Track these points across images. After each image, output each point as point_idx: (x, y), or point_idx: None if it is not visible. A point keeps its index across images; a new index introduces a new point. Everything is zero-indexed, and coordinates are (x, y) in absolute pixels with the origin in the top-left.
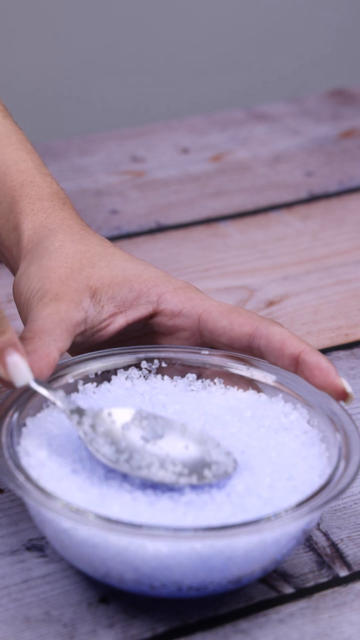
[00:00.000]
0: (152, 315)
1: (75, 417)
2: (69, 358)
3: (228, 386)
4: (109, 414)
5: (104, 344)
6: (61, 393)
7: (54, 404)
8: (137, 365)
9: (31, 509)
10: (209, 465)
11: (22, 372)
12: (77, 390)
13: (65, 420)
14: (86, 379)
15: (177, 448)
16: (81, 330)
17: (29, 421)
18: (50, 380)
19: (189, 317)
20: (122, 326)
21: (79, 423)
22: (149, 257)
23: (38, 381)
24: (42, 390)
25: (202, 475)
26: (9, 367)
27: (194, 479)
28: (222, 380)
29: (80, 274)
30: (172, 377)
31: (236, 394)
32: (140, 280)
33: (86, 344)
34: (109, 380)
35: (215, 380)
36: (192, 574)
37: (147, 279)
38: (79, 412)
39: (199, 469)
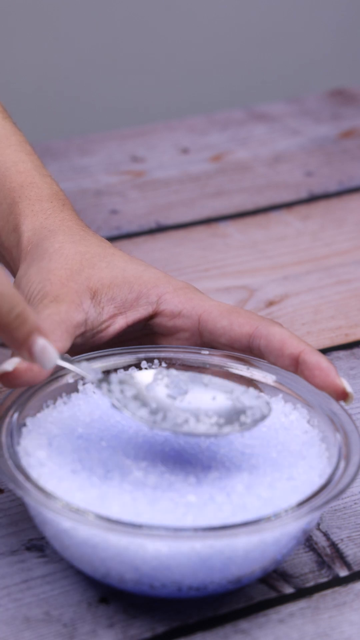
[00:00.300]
0: (152, 316)
1: (105, 385)
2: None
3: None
4: (132, 377)
5: (104, 345)
6: (85, 364)
7: (82, 377)
8: (137, 365)
9: (31, 509)
10: (243, 411)
11: (50, 355)
12: (77, 390)
13: (66, 420)
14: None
15: (205, 400)
16: (81, 332)
17: (29, 421)
18: (51, 380)
19: (188, 317)
20: (122, 327)
21: (110, 391)
22: (149, 257)
23: (62, 357)
24: (68, 366)
25: (240, 422)
26: (36, 354)
27: (236, 427)
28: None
29: (80, 275)
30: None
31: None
32: (140, 281)
33: (86, 345)
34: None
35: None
36: (192, 574)
37: (147, 280)
38: (107, 380)
39: (234, 417)
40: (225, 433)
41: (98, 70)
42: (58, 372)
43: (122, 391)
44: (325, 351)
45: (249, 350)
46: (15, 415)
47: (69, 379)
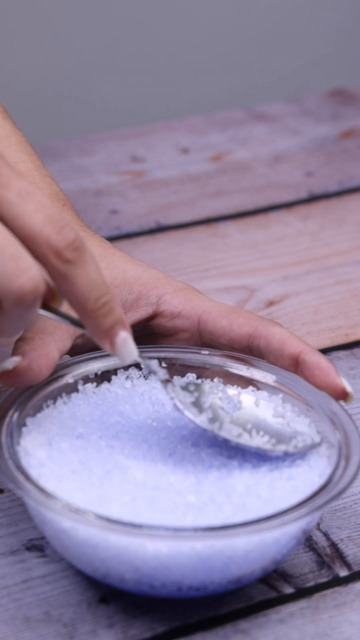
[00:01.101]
0: (152, 317)
1: (170, 386)
2: (69, 358)
3: (227, 385)
4: (192, 385)
5: None
6: (155, 362)
7: (154, 373)
8: (137, 366)
9: (31, 509)
10: (294, 436)
11: (131, 349)
12: (77, 390)
13: (66, 420)
14: (86, 379)
15: (257, 420)
16: (81, 333)
17: (29, 421)
18: (50, 380)
19: (188, 318)
20: None
21: (174, 392)
22: (149, 257)
23: (140, 355)
24: (146, 362)
25: (291, 445)
26: (118, 345)
27: (290, 447)
28: (221, 380)
29: None
30: (172, 377)
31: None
32: (139, 282)
33: (87, 346)
34: (109, 380)
35: (215, 379)
36: (192, 574)
37: (147, 281)
38: (172, 382)
39: (285, 439)
40: (279, 450)
41: (98, 70)
42: (58, 372)
43: (183, 396)
44: (325, 351)
45: (249, 351)
46: (15, 415)
47: (69, 379)
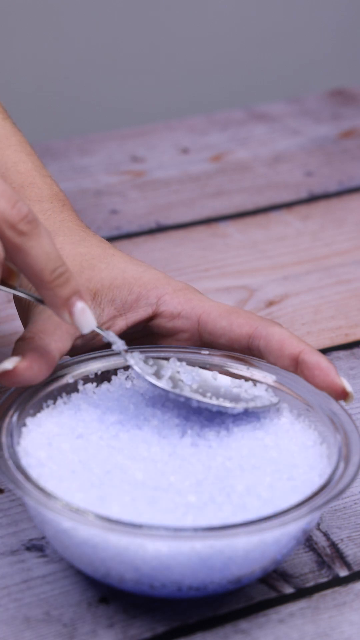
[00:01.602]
0: (152, 318)
1: (130, 355)
2: (68, 358)
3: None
4: (151, 360)
5: (104, 346)
6: (112, 333)
7: (113, 343)
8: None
9: (31, 509)
10: (252, 399)
11: (89, 318)
12: (77, 390)
13: (66, 420)
14: (86, 379)
15: (216, 389)
16: (81, 334)
17: (29, 421)
18: (50, 380)
19: (188, 318)
20: (122, 329)
21: (134, 360)
22: (149, 257)
23: (98, 327)
24: (100, 331)
25: (250, 404)
26: (76, 314)
27: (250, 404)
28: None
29: (80, 276)
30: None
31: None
32: (139, 283)
33: (86, 346)
34: (109, 380)
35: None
36: (192, 574)
37: (147, 281)
38: (131, 353)
39: (244, 401)
40: (239, 407)
41: (98, 70)
42: (58, 372)
43: (143, 366)
44: (325, 351)
45: (249, 351)
46: (15, 415)
47: (69, 379)
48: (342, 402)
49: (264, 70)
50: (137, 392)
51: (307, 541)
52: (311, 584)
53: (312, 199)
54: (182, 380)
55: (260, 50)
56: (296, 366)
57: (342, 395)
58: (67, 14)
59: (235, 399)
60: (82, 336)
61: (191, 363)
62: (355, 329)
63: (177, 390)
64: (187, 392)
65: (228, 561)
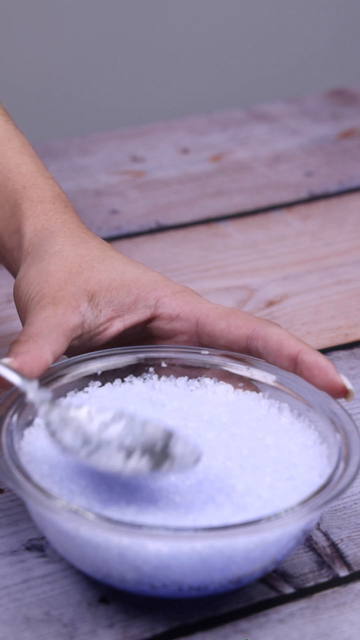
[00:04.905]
0: (150, 320)
1: (45, 407)
2: (68, 358)
3: (228, 385)
4: (71, 409)
5: (101, 348)
6: (35, 384)
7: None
8: (138, 366)
9: (31, 509)
10: (172, 457)
11: None
12: (77, 390)
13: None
14: (87, 379)
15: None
16: (78, 334)
17: (29, 421)
18: (50, 380)
19: (186, 320)
20: (120, 330)
21: (47, 413)
22: (149, 257)
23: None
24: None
25: (161, 464)
26: None
27: (167, 467)
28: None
29: (79, 277)
30: (170, 378)
31: (236, 394)
32: (138, 285)
33: (84, 348)
34: (111, 380)
35: (214, 379)
36: (192, 573)
37: (146, 283)
38: (51, 404)
39: (162, 460)
40: (157, 472)
41: (98, 70)
42: (58, 372)
43: (63, 419)
44: (325, 351)
45: (248, 352)
46: (15, 416)
47: (69, 379)
48: (342, 401)
49: (264, 70)
50: (136, 392)
51: (307, 541)
52: (311, 584)
53: (312, 199)
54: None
55: (260, 50)
56: (295, 366)
57: (342, 393)
58: (67, 14)
59: (156, 454)
60: (78, 337)
61: (191, 364)
62: (355, 329)
63: (74, 454)
64: (102, 459)
65: (228, 561)
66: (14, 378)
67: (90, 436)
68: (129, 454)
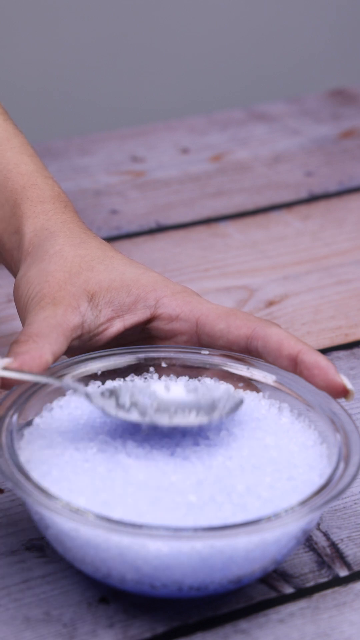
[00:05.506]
0: (150, 320)
1: (94, 398)
2: (69, 358)
3: (228, 385)
4: (106, 391)
5: (101, 348)
6: (69, 380)
7: (74, 390)
8: (137, 365)
9: (31, 509)
10: (216, 403)
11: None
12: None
13: (66, 420)
14: (87, 379)
15: (175, 401)
16: (78, 335)
17: (29, 421)
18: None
19: (186, 321)
20: (120, 330)
21: (99, 402)
22: (149, 257)
23: (44, 374)
24: (58, 382)
25: (219, 412)
26: None
27: (222, 412)
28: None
29: (79, 278)
30: (171, 377)
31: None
32: (138, 285)
33: (84, 348)
34: (112, 379)
35: (214, 379)
36: (193, 573)
37: (145, 284)
38: (90, 394)
39: (210, 409)
40: (216, 419)
41: (98, 70)
42: (58, 372)
43: (106, 402)
44: (325, 351)
45: (247, 352)
46: (15, 416)
47: (69, 379)
48: (342, 401)
49: (263, 70)
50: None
51: (307, 541)
52: (311, 584)
53: (312, 199)
54: (141, 403)
55: (260, 50)
56: (295, 366)
57: (342, 393)
58: (67, 14)
59: (200, 407)
60: (78, 337)
61: (191, 364)
62: (355, 329)
63: (148, 419)
64: (161, 420)
65: (228, 561)
66: (50, 380)
67: (131, 407)
68: (177, 412)
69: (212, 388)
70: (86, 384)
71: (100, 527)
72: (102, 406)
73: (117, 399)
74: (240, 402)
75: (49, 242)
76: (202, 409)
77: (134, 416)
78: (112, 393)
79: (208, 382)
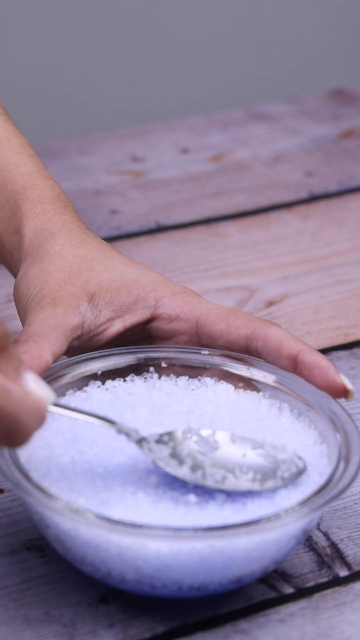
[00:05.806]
0: (150, 320)
1: (145, 444)
2: (69, 358)
3: (229, 385)
4: (165, 436)
5: (101, 348)
6: (123, 424)
7: (127, 435)
8: (137, 365)
9: (31, 509)
10: (277, 465)
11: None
12: (78, 390)
13: (66, 420)
14: (87, 379)
15: (236, 457)
16: (78, 335)
17: None
18: (50, 380)
19: (186, 321)
20: (120, 331)
21: (150, 450)
22: (149, 257)
23: (108, 419)
24: (113, 427)
25: (278, 478)
26: (29, 385)
27: (278, 482)
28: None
29: (79, 278)
30: (171, 377)
31: (236, 394)
32: (138, 285)
33: (84, 348)
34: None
35: (215, 379)
36: (193, 573)
37: (145, 284)
38: (146, 440)
39: (270, 472)
40: (269, 488)
41: (98, 70)
42: (58, 372)
43: (159, 450)
44: (325, 351)
45: (247, 352)
46: None
47: (69, 379)
48: (342, 401)
49: (263, 70)
50: (135, 393)
51: (307, 541)
52: (311, 584)
53: (312, 199)
54: (200, 452)
55: (260, 50)
56: (295, 366)
57: (342, 393)
58: (67, 14)
59: (260, 468)
60: (78, 337)
61: (191, 364)
62: (355, 329)
63: (199, 478)
64: (210, 480)
65: (228, 561)
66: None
67: (188, 461)
68: (232, 471)
69: (279, 450)
70: (86, 384)
71: (100, 527)
72: (153, 458)
73: (174, 447)
74: (302, 472)
75: (49, 243)
76: (259, 472)
77: (183, 472)
78: (171, 438)
79: (276, 443)
